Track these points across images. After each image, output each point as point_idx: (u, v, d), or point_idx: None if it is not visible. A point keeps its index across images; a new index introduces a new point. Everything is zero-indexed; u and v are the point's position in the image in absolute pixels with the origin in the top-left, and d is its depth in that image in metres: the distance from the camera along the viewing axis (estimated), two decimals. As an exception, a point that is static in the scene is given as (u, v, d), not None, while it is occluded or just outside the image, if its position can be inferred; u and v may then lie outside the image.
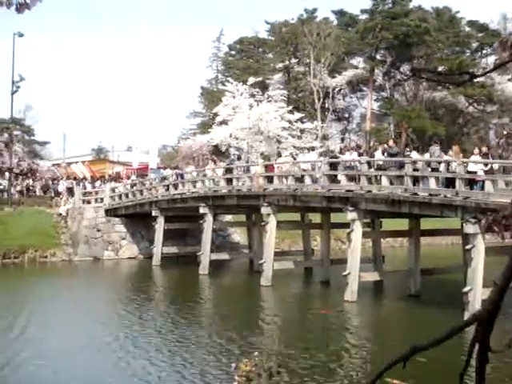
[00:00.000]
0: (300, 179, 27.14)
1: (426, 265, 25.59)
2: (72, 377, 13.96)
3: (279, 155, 35.89)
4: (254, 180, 29.36)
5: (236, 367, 2.52)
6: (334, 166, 25.77)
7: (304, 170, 27.92)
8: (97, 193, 39.97)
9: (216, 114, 58.68)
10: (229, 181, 31.22)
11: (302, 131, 59.02)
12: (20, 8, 1.50)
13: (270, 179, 28.78)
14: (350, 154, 28.03)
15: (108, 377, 13.97)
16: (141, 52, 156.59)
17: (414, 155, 26.60)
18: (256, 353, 2.52)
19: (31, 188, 46.56)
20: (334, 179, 25.29)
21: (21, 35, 40.12)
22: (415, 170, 22.84)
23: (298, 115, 56.50)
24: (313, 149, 37.73)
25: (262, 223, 28.67)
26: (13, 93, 41.20)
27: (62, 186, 45.78)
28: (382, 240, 28.83)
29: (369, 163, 24.62)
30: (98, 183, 45.72)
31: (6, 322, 19.39)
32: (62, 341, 17.59)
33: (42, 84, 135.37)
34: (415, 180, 22.35)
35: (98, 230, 36.72)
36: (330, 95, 64.13)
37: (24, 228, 35.08)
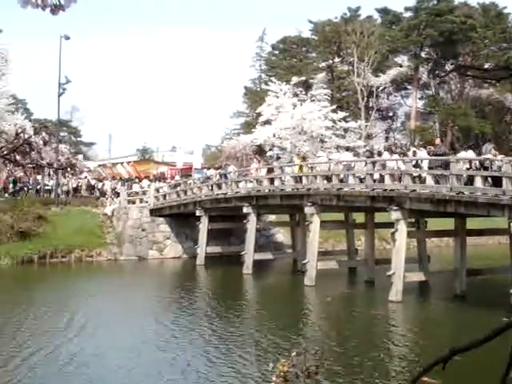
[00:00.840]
0: (329, 179, 27.15)
1: (472, 265, 25.24)
2: (132, 374, 14.14)
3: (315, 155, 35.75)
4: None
5: (273, 367, 2.50)
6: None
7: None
8: (144, 193, 40.32)
9: (259, 114, 58.71)
10: (272, 180, 31.24)
11: (346, 130, 58.69)
12: (54, 10, 1.52)
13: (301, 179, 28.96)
14: (391, 154, 27.89)
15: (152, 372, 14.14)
16: (185, 52, 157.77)
17: (470, 154, 26.13)
18: (294, 353, 2.50)
19: (78, 188, 47.25)
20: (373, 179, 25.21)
21: (67, 38, 40.69)
22: (468, 169, 22.56)
23: (341, 114, 56.18)
24: (347, 149, 37.38)
25: (306, 223, 28.63)
26: (59, 95, 41.85)
27: (107, 186, 46.42)
28: (427, 240, 28.51)
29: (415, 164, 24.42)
30: (142, 183, 46.13)
31: (64, 320, 19.85)
32: (119, 338, 17.88)
33: (88, 86, 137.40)
34: (469, 180, 21.93)
35: (143, 230, 37.09)
36: (374, 94, 63.66)
37: (71, 228, 35.60)
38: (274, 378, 2.49)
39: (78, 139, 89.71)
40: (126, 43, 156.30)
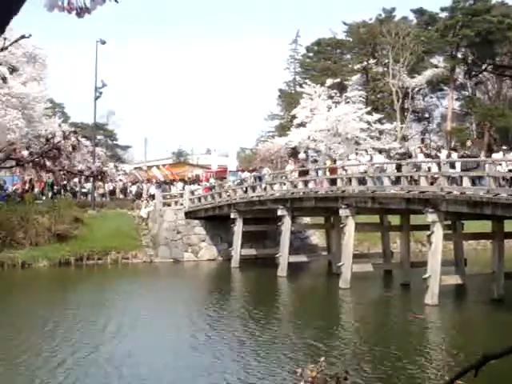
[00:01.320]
0: (362, 181, 27.00)
1: (510, 268, 24.84)
2: (167, 376, 14.22)
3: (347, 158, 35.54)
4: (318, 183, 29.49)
5: (301, 373, 2.48)
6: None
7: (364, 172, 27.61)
8: (181, 196, 40.53)
9: (294, 116, 58.62)
10: (306, 183, 31.18)
11: (381, 132, 58.27)
12: (80, 12, 1.53)
13: (333, 181, 28.86)
14: (425, 156, 27.70)
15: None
16: (221, 55, 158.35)
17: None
18: (323, 358, 2.48)
19: (114, 191, 47.65)
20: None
21: (103, 42, 41.12)
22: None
23: (376, 116, 55.80)
24: (380, 151, 37.05)
25: (341, 225, 28.49)
26: (96, 98, 42.29)
27: (142, 189, 46.78)
28: (463, 242, 28.18)
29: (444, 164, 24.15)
30: (177, 186, 46.37)
31: (101, 321, 20.13)
32: (156, 339, 18.03)
33: (123, 89, 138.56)
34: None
35: (178, 232, 37.28)
36: (410, 95, 63.10)
37: (107, 230, 35.94)
38: (301, 383, 2.47)
39: (114, 142, 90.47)
40: (161, 46, 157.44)
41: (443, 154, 27.11)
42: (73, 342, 17.18)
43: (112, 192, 47.08)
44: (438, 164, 24.35)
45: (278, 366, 14.78)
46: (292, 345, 16.99)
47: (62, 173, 1.97)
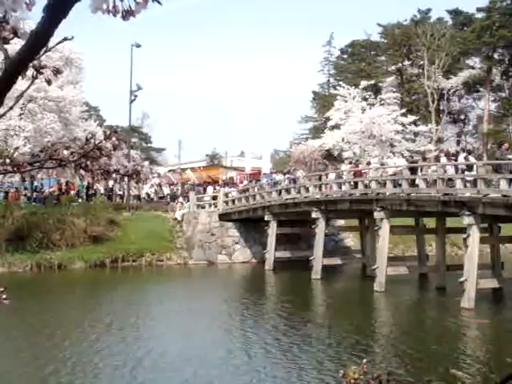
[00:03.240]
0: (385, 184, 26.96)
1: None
2: (203, 378, 14.30)
3: (368, 163, 35.32)
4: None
5: (344, 374, 2.46)
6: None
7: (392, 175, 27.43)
8: (214, 198, 40.67)
9: (328, 119, 58.48)
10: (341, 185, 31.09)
11: (416, 134, 57.88)
12: (125, 15, 1.53)
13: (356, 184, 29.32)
14: (449, 160, 27.53)
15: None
16: (252, 58, 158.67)
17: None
18: (365, 360, 2.46)
19: (149, 193, 48.01)
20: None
21: (138, 46, 41.45)
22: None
23: (411, 118, 55.39)
24: (403, 155, 36.52)
25: (375, 228, 28.31)
26: (131, 102, 42.65)
27: (177, 192, 47.10)
28: (500, 246, 27.80)
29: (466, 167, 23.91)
30: (211, 188, 46.52)
31: (137, 321, 20.39)
32: (191, 341, 18.09)
33: (158, 92, 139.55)
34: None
35: (212, 235, 37.38)
36: (445, 97, 62.60)
37: (141, 232, 36.20)
38: (343, 385, 2.46)
39: (149, 145, 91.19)
40: (195, 49, 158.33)
41: (461, 157, 26.84)
42: (105, 340, 17.38)
43: (146, 194, 47.44)
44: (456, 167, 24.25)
45: (315, 369, 14.73)
46: (328, 347, 16.93)
47: (99, 172, 1.99)
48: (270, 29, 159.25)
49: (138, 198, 45.81)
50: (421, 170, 27.84)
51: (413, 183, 26.25)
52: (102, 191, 45.85)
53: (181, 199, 43.20)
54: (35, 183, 42.62)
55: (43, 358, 15.45)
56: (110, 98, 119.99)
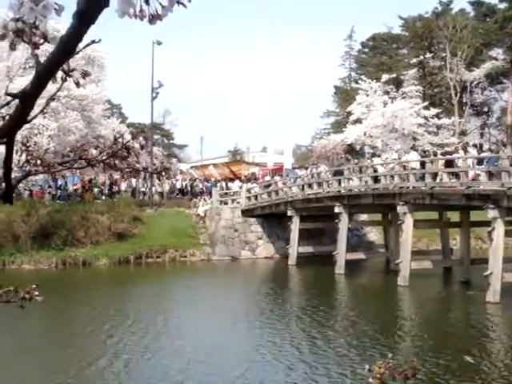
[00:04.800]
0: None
1: None
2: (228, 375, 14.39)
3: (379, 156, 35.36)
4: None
5: (370, 369, 2.48)
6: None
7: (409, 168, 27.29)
8: (236, 193, 40.77)
9: (350, 113, 58.29)
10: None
11: (439, 127, 57.49)
12: (152, 19, 1.57)
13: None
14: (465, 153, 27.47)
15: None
16: (273, 52, 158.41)
17: None
18: (390, 354, 2.48)
19: (172, 190, 48.22)
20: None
21: (159, 43, 41.62)
22: None
23: (434, 111, 55.05)
24: (416, 149, 36.20)
25: (399, 222, 28.20)
26: (153, 99, 42.85)
27: (199, 188, 47.26)
28: (526, 239, 27.57)
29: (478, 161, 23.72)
30: (234, 184, 46.59)
31: (165, 318, 20.48)
32: (214, 339, 18.19)
33: (179, 88, 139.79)
34: None
35: (235, 230, 37.45)
36: (468, 89, 62.02)
37: (165, 228, 36.36)
38: (370, 380, 2.48)
39: (171, 142, 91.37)
40: (215, 45, 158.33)
41: (470, 150, 26.87)
42: (131, 338, 17.55)
43: (169, 191, 47.63)
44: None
45: (339, 363, 14.75)
46: (347, 342, 16.92)
47: (128, 170, 2.03)
48: (291, 23, 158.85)
49: (161, 194, 46.01)
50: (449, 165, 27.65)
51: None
52: (123, 188, 46.14)
53: (203, 195, 43.37)
54: (59, 181, 42.97)
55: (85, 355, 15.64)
56: (132, 95, 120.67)
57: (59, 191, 42.82)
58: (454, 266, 29.77)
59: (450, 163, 26.91)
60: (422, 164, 28.52)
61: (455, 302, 24.79)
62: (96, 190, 44.51)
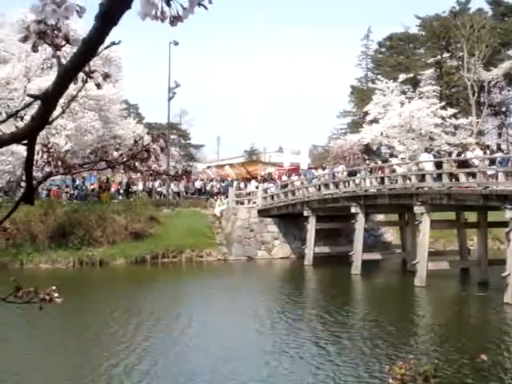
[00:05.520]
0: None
1: None
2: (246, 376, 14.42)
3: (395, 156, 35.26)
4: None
5: (390, 370, 2.48)
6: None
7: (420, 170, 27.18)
8: (251, 193, 40.80)
9: (366, 113, 58.17)
10: (381, 180, 30.93)
11: (456, 127, 57.21)
12: (173, 21, 1.58)
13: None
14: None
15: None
16: (290, 53, 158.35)
17: None
18: (411, 356, 2.48)
19: (188, 190, 48.32)
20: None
21: (176, 44, 41.75)
22: None
23: (451, 111, 54.81)
24: (428, 151, 35.93)
25: (415, 222, 28.10)
26: (169, 99, 43.00)
27: (215, 188, 47.34)
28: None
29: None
30: (250, 184, 46.63)
31: (184, 319, 20.57)
32: (242, 336, 18.32)
33: (196, 88, 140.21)
34: None
35: (252, 230, 37.48)
36: (486, 89, 61.64)
37: (181, 228, 36.48)
38: (390, 381, 2.47)
39: (188, 142, 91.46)
40: (232, 45, 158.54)
41: (477, 150, 26.74)
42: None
43: (186, 191, 47.73)
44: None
45: (355, 365, 14.69)
46: (365, 343, 16.87)
47: (149, 173, 2.04)
48: (308, 23, 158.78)
49: (178, 194, 46.13)
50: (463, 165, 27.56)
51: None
52: (140, 188, 46.29)
53: (219, 195, 43.44)
54: (77, 181, 43.22)
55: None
56: (149, 95, 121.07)
57: (76, 191, 43.05)
58: (471, 266, 29.62)
59: (463, 163, 26.82)
60: (437, 164, 28.41)
61: (473, 303, 24.65)
62: (113, 189, 44.70)
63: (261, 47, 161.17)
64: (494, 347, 16.25)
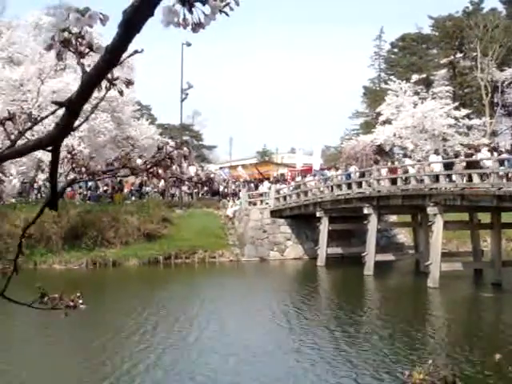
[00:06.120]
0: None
1: None
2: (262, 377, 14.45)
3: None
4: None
5: (409, 375, 2.48)
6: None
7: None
8: (263, 195, 40.82)
9: (379, 114, 58.07)
10: (393, 181, 30.85)
11: (470, 128, 56.98)
12: (195, 28, 1.59)
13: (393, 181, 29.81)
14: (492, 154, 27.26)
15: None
16: (303, 53, 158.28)
17: None
18: (430, 360, 2.48)
19: (200, 190, 48.36)
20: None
21: (189, 45, 41.42)
22: None
23: (464, 111, 54.60)
24: (437, 153, 35.71)
25: (429, 223, 28.02)
26: (182, 100, 43.09)
27: (228, 189, 47.32)
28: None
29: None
30: (263, 185, 46.59)
31: (198, 318, 20.61)
32: (259, 337, 18.39)
33: (208, 89, 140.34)
34: None
35: (264, 231, 37.49)
36: (499, 89, 61.39)
37: (194, 229, 36.55)
38: (408, 386, 2.47)
39: (200, 143, 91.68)
40: (244, 45, 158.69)
41: (484, 150, 26.63)
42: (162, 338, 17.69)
43: (198, 192, 47.73)
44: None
45: (370, 368, 14.66)
46: (380, 346, 16.83)
47: (172, 180, 2.06)
48: (320, 23, 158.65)
49: (191, 195, 46.17)
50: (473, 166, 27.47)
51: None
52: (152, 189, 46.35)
53: (232, 195, 43.47)
54: (89, 182, 43.37)
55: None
56: (161, 96, 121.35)
57: (89, 192, 43.20)
58: (484, 267, 29.51)
59: (473, 164, 26.75)
60: (446, 166, 28.33)
61: (487, 304, 24.53)
62: (125, 190, 44.81)
63: (273, 47, 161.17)
64: (507, 347, 16.16)
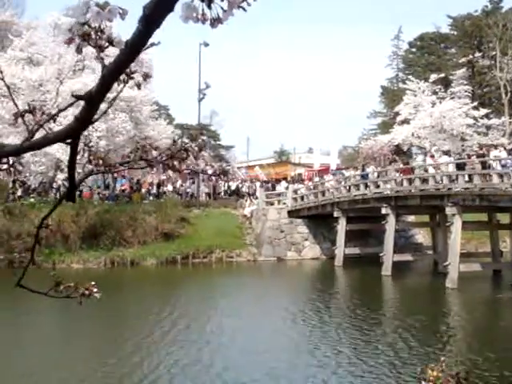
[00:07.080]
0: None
1: None
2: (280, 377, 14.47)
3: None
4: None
5: (422, 372, 2.47)
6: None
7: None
8: (281, 194, 40.81)
9: (397, 114, 57.80)
10: (409, 181, 30.75)
11: (489, 128, 56.52)
12: (214, 23, 1.62)
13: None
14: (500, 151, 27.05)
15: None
16: (321, 53, 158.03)
17: None
18: (443, 358, 2.48)
19: (218, 190, 48.45)
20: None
21: (206, 45, 41.89)
22: None
23: (483, 111, 54.17)
24: (449, 154, 35.36)
25: (447, 224, 27.89)
26: (200, 100, 43.20)
27: (246, 188, 47.40)
28: None
29: None
30: (280, 185, 46.62)
31: (217, 318, 20.64)
32: (280, 336, 18.36)
33: (226, 89, 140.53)
34: None
35: (282, 231, 37.47)
36: (519, 89, 60.88)
37: (211, 229, 36.61)
38: (423, 383, 2.47)
39: (218, 143, 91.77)
40: (260, 46, 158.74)
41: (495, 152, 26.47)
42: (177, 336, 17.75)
43: (215, 191, 47.82)
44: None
45: (387, 367, 14.64)
46: (396, 345, 16.78)
47: (187, 172, 2.08)
48: (337, 23, 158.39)
49: (209, 195, 46.28)
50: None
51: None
52: (170, 189, 46.50)
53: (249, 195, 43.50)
54: (107, 181, 43.61)
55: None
56: (180, 96, 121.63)
57: (107, 192, 43.42)
58: (503, 268, 29.32)
59: (483, 164, 26.66)
60: (458, 166, 28.20)
61: (506, 305, 24.38)
62: (143, 190, 44.99)
63: (290, 47, 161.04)
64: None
